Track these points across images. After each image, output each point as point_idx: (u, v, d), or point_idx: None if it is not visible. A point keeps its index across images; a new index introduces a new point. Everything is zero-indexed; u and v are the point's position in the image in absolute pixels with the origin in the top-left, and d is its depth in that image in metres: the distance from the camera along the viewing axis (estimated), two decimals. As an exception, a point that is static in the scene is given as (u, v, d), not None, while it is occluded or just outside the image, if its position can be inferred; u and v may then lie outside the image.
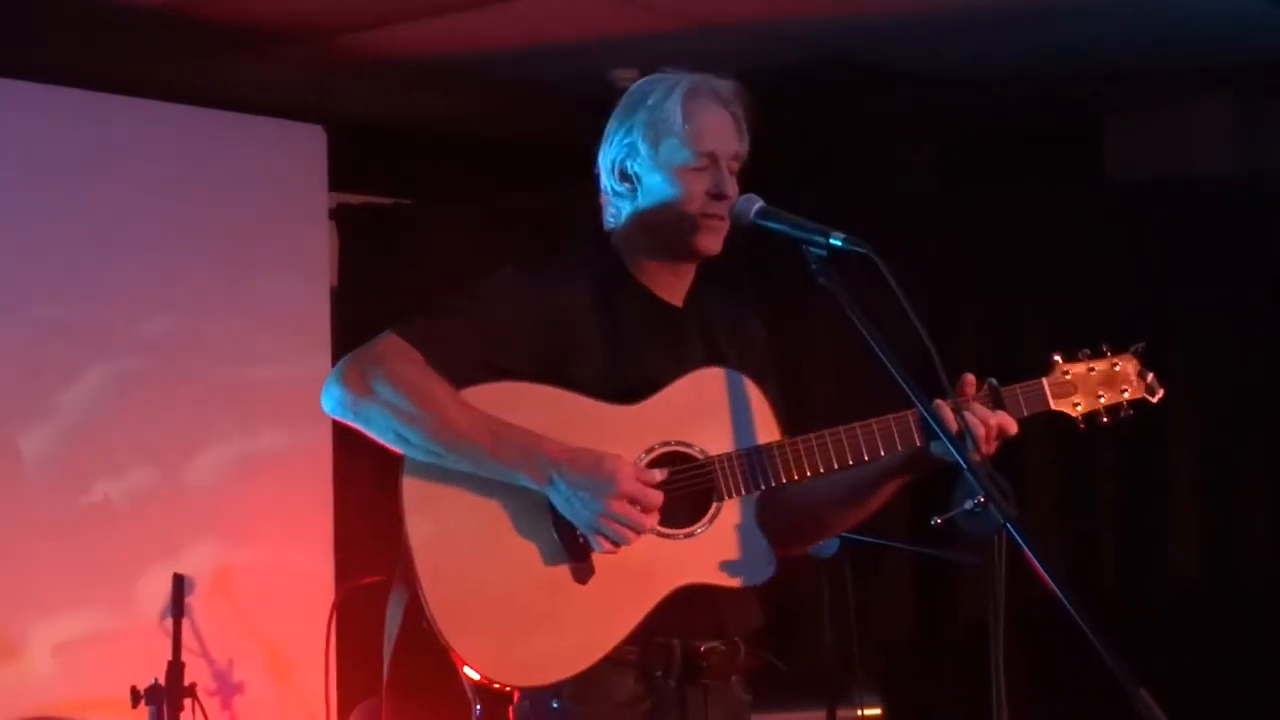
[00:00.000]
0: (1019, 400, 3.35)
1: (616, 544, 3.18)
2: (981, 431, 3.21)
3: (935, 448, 3.25)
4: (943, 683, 6.94)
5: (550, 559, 3.22)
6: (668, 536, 3.25)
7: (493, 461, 3.19)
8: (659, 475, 3.23)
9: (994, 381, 3.33)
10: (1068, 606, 2.72)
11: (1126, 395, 3.42)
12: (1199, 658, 6.86)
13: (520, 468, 3.19)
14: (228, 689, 6.35)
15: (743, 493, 3.31)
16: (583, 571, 3.21)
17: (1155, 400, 3.43)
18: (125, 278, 6.36)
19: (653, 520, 3.20)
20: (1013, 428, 3.27)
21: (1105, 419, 3.41)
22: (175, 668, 5.74)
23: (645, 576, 3.24)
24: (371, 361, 3.25)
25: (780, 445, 3.33)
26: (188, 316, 6.50)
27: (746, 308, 3.64)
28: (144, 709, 5.63)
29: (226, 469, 6.52)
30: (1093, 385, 3.41)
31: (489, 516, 3.23)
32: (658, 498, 3.20)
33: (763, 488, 3.31)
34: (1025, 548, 2.82)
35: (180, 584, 5.90)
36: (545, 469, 3.18)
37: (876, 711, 5.86)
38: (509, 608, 3.21)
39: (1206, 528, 7.02)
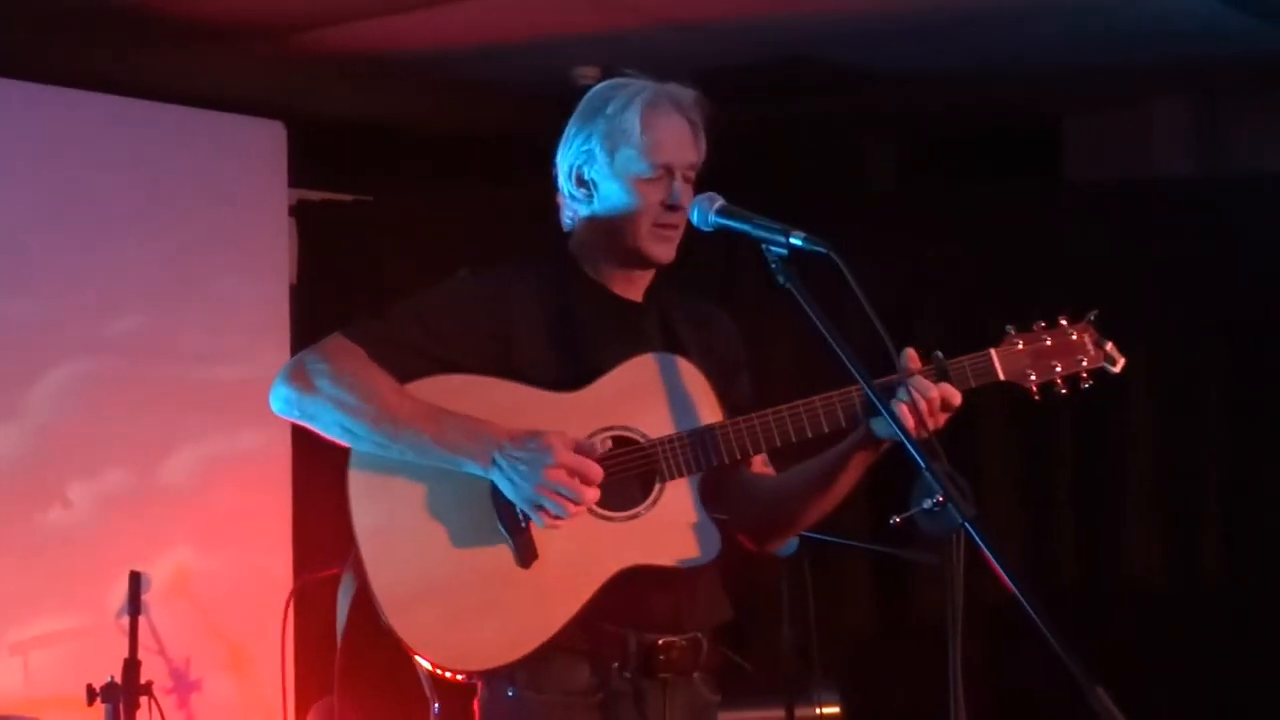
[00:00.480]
0: (966, 372, 3.34)
1: (557, 516, 3.20)
2: (924, 404, 3.21)
3: (878, 427, 3.27)
4: (901, 681, 6.94)
5: (493, 544, 3.26)
6: (610, 519, 3.27)
7: (437, 448, 3.23)
8: (599, 448, 3.26)
9: (940, 354, 3.33)
10: (1025, 605, 2.72)
11: (1084, 364, 3.40)
12: (1156, 654, 6.89)
13: (463, 452, 3.23)
14: (184, 687, 6.32)
15: (685, 473, 3.32)
16: (526, 555, 3.24)
17: (1116, 369, 3.41)
18: (82, 274, 6.32)
19: (593, 493, 3.22)
20: (956, 399, 3.26)
21: (1063, 389, 3.39)
22: (132, 665, 5.71)
23: (589, 559, 3.26)
24: (317, 360, 3.31)
25: (721, 426, 3.35)
26: (145, 313, 6.46)
27: (714, 308, 3.68)
28: (100, 707, 5.59)
29: (184, 466, 6.49)
30: (1048, 355, 3.39)
31: (433, 504, 3.28)
32: (596, 469, 3.22)
33: (705, 468, 3.33)
34: (983, 547, 2.82)
35: (137, 582, 5.87)
36: (488, 451, 3.22)
37: (835, 710, 5.86)
38: (454, 593, 3.25)
39: (1164, 523, 7.04)
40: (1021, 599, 2.73)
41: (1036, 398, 3.39)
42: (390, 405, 3.25)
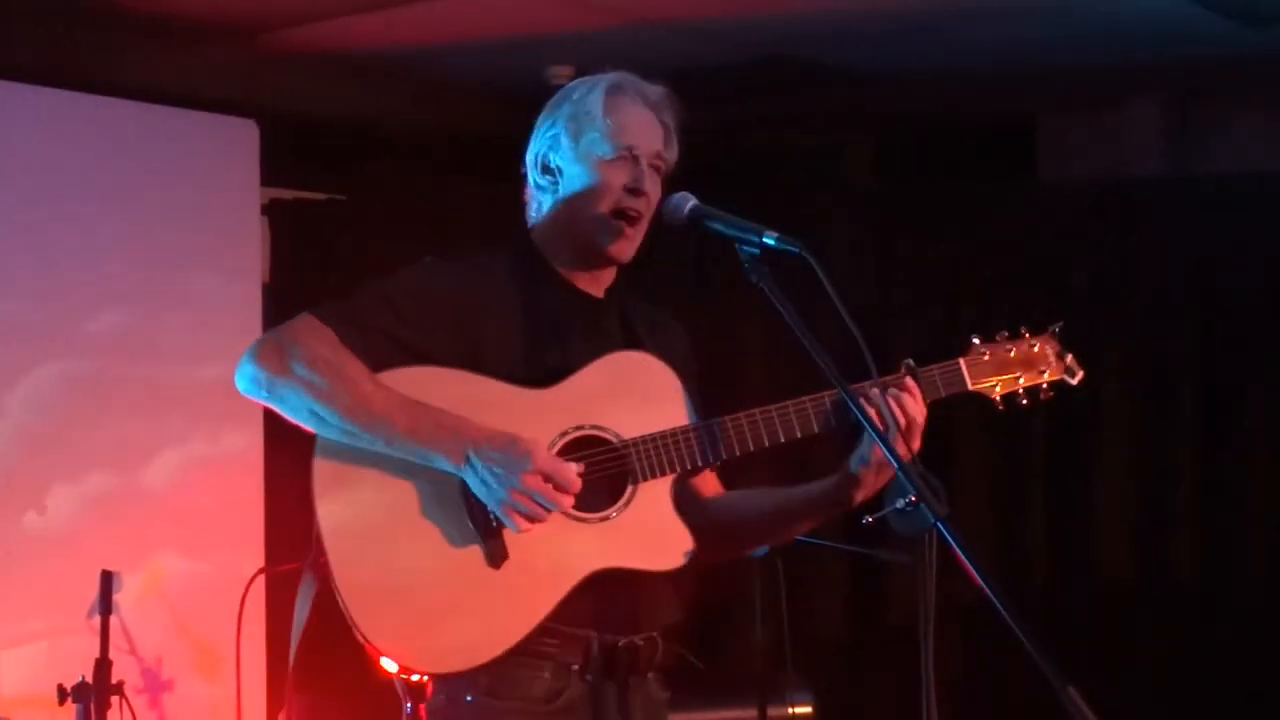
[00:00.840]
0: (936, 381, 3.37)
1: (531, 520, 3.17)
2: (903, 421, 3.22)
3: (856, 464, 3.29)
4: (874, 681, 6.96)
5: (463, 543, 3.21)
6: (582, 520, 3.24)
7: (409, 441, 3.18)
8: (576, 468, 3.22)
9: (911, 362, 3.35)
10: (997, 605, 2.72)
11: (1046, 376, 3.44)
12: (1127, 653, 6.91)
13: (436, 448, 3.18)
14: (156, 687, 6.30)
15: (658, 475, 3.30)
16: (496, 555, 3.20)
17: (1075, 382, 3.45)
18: (53, 274, 6.30)
19: (569, 500, 3.19)
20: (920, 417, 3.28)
21: (1024, 400, 3.42)
22: (103, 665, 5.69)
23: (561, 561, 3.23)
24: (287, 340, 3.25)
25: (696, 428, 3.33)
26: (118, 313, 6.44)
27: (668, 313, 3.64)
28: (71, 707, 5.57)
29: (156, 466, 6.47)
30: (1011, 366, 3.42)
31: (401, 500, 3.22)
32: (574, 478, 3.20)
33: (679, 470, 3.31)
34: (956, 547, 2.82)
35: (109, 581, 5.86)
36: (462, 449, 3.17)
37: (808, 709, 5.86)
38: (422, 593, 3.19)
39: (1135, 523, 7.06)
40: (993, 598, 2.73)
41: (1000, 408, 3.43)
42: (363, 393, 3.18)
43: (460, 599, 3.20)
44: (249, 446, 6.67)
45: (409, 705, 3.90)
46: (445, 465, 3.19)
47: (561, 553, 3.23)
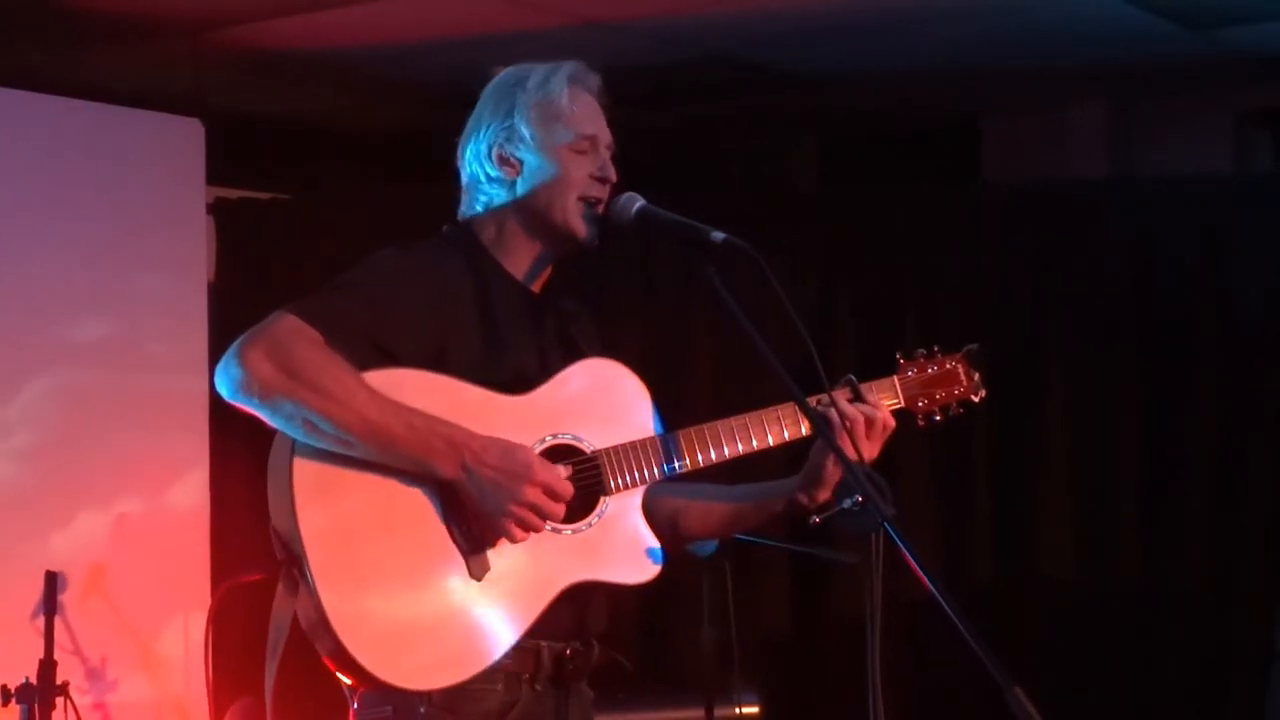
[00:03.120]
0: (875, 397, 3.40)
1: (527, 531, 3.15)
2: (862, 429, 3.26)
3: (807, 483, 3.34)
4: (821, 680, 6.98)
5: (445, 555, 3.16)
6: (558, 531, 3.22)
7: (404, 449, 3.12)
8: (563, 471, 3.21)
9: (853, 378, 3.38)
10: (944, 605, 2.74)
11: (958, 394, 3.51)
12: (1072, 653, 6.94)
13: (432, 456, 3.12)
14: (101, 687, 6.27)
15: (631, 486, 3.30)
16: (479, 569, 3.16)
17: (978, 400, 3.52)
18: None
19: (562, 511, 3.18)
20: (890, 421, 3.34)
21: (938, 417, 3.50)
22: (47, 666, 5.66)
23: (538, 574, 3.20)
24: (275, 345, 3.13)
25: (668, 437, 3.34)
26: (61, 312, 6.41)
27: (583, 307, 3.61)
28: (15, 707, 5.55)
29: (99, 466, 6.44)
30: (930, 384, 3.49)
31: (384, 508, 3.15)
32: (568, 488, 3.18)
33: (650, 481, 3.31)
34: (903, 547, 2.84)
35: (53, 581, 5.83)
36: (458, 457, 3.12)
37: (755, 710, 5.87)
38: (403, 606, 3.14)
39: (1078, 523, 7.09)
40: (940, 598, 2.75)
41: (920, 423, 3.50)
42: (359, 401, 3.09)
43: (441, 613, 3.15)
44: (193, 445, 6.65)
45: (356, 705, 3.86)
46: (439, 473, 3.14)
47: (538, 565, 3.20)
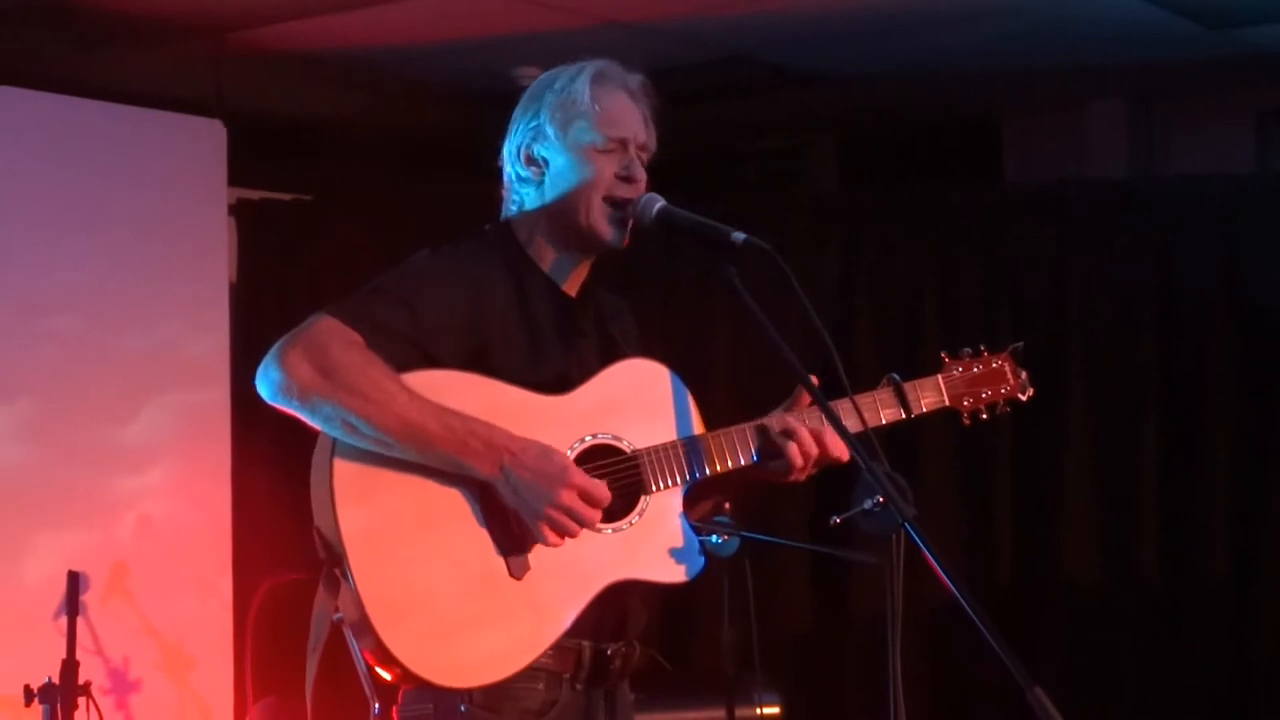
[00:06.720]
0: (918, 396, 3.44)
1: (562, 536, 3.16)
2: (797, 454, 3.32)
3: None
4: (841, 681, 6.97)
5: (486, 554, 3.18)
6: (599, 531, 3.23)
7: (443, 450, 3.13)
8: (602, 485, 3.21)
9: (896, 376, 3.40)
10: (965, 605, 2.74)
11: (1004, 392, 3.58)
12: (1093, 654, 6.92)
13: (470, 456, 3.13)
14: (123, 687, 6.29)
15: (672, 485, 3.31)
16: (519, 568, 3.17)
17: (1025, 399, 3.59)
18: (20, 273, 6.28)
19: (598, 516, 3.19)
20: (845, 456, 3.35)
21: (985, 415, 3.57)
22: (69, 666, 5.67)
23: (579, 573, 3.22)
24: (314, 347, 3.14)
25: (707, 437, 3.35)
26: (84, 312, 6.42)
27: (624, 302, 3.64)
28: (37, 708, 5.55)
29: (122, 465, 6.45)
30: (979, 383, 3.54)
31: (425, 508, 3.16)
32: (605, 493, 3.19)
33: (691, 480, 3.32)
34: (923, 548, 2.84)
35: (75, 581, 5.84)
36: (496, 459, 3.14)
37: (775, 710, 5.87)
38: (444, 604, 3.15)
39: (1100, 523, 7.07)
40: (960, 599, 2.75)
41: (966, 422, 3.56)
42: (400, 403, 3.10)
43: (483, 611, 3.17)
44: (215, 445, 6.66)
45: (377, 706, 3.87)
46: (477, 473, 3.15)
47: (579, 564, 3.21)
